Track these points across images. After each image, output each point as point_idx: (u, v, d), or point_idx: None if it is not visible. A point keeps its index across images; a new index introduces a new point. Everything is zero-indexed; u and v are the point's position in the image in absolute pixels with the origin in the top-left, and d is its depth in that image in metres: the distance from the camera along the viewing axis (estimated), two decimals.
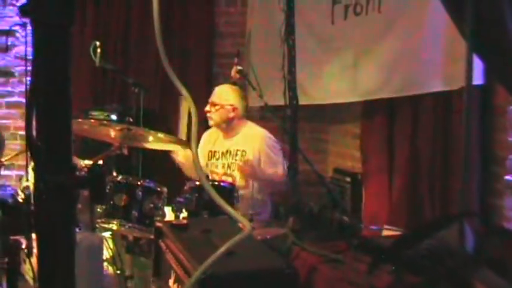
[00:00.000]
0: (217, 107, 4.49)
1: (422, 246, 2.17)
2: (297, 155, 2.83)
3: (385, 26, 4.59)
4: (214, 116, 4.51)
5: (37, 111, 1.01)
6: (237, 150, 4.52)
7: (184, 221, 2.94)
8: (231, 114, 4.49)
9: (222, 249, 1.25)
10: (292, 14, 2.84)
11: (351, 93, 4.99)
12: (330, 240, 3.08)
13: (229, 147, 4.56)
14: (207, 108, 4.52)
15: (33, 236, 3.92)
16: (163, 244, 2.79)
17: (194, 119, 1.09)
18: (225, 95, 4.53)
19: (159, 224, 2.89)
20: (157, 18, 1.09)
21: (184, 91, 1.10)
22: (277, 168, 4.38)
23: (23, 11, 1.00)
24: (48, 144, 0.99)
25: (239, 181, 4.39)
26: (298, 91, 3.53)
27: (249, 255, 2.42)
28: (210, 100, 4.56)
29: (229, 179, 4.44)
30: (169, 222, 3.06)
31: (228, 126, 4.56)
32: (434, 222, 2.54)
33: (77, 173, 1.02)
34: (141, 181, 3.71)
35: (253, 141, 4.48)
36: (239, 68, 3.87)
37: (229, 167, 4.53)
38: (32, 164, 3.98)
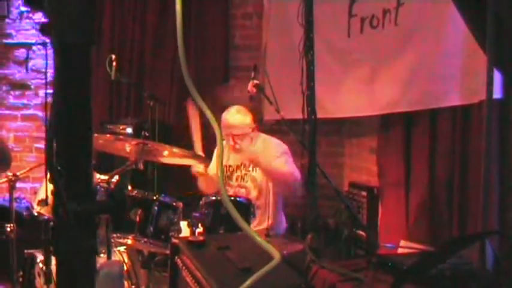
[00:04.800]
0: (240, 137, 4.42)
1: (445, 266, 2.12)
2: (315, 170, 2.79)
3: (402, 39, 4.55)
4: (241, 145, 4.42)
5: (57, 136, 0.98)
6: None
7: (201, 238, 2.90)
8: (252, 134, 4.47)
9: (249, 281, 1.21)
10: (312, 29, 2.81)
11: (368, 107, 4.94)
12: (349, 258, 3.04)
13: (243, 160, 4.53)
14: (231, 142, 4.40)
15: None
16: (179, 261, 2.76)
17: (219, 144, 1.06)
18: (242, 123, 4.44)
19: (175, 241, 2.86)
20: (181, 36, 1.05)
21: (208, 112, 1.07)
22: (292, 170, 4.35)
23: (43, 30, 0.97)
24: (68, 169, 0.96)
25: (252, 192, 4.37)
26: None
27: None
28: (229, 132, 4.40)
29: (242, 191, 4.42)
30: (186, 238, 3.02)
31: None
32: (457, 241, 2.49)
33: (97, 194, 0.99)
34: (157, 196, 3.69)
35: (266, 150, 4.45)
36: (256, 82, 3.84)
37: (242, 178, 4.52)
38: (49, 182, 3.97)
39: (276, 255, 1.24)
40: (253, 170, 4.48)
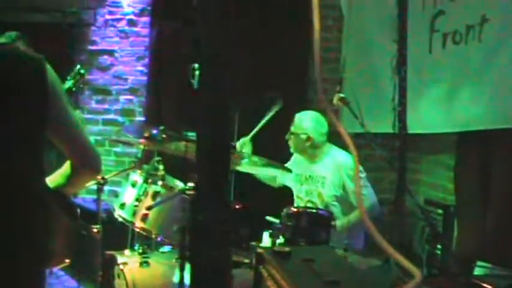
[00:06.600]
0: (293, 136, 4.52)
1: None
2: (404, 186, 2.79)
3: (485, 56, 4.49)
4: (291, 144, 4.55)
5: (200, 148, 1.03)
6: (319, 176, 4.51)
7: (287, 249, 2.93)
8: (306, 144, 4.50)
9: None
10: (405, 45, 2.82)
11: (447, 124, 4.88)
12: (431, 276, 3.02)
13: (312, 173, 4.55)
14: (287, 136, 4.55)
15: (127, 252, 4.02)
16: (264, 270, 2.78)
17: (355, 153, 1.09)
18: (300, 124, 4.53)
19: (260, 250, 2.89)
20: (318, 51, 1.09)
21: (342, 129, 1.11)
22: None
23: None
24: (211, 181, 1.01)
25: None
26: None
27: (353, 285, 2.40)
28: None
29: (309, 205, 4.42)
30: (270, 248, 3.06)
31: (306, 154, 4.56)
32: None
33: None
34: (239, 205, 3.72)
35: (335, 168, 4.44)
36: (341, 95, 3.86)
37: (310, 193, 4.51)
38: (130, 180, 4.07)
39: (417, 274, 1.26)
40: (321, 185, 4.48)
